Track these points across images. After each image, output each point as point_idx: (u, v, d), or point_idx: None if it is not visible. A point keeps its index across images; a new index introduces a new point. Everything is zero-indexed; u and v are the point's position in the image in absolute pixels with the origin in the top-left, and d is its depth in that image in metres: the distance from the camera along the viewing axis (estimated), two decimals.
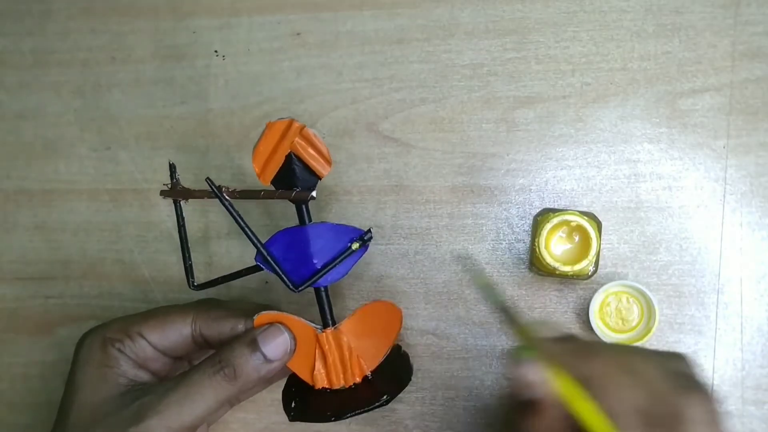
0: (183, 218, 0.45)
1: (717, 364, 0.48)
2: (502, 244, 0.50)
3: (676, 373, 0.32)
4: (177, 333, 0.43)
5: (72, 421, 0.41)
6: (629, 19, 0.49)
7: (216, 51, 0.53)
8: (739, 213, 0.48)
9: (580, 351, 0.31)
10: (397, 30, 0.51)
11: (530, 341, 0.32)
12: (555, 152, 0.49)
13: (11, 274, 0.54)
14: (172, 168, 0.44)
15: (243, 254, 0.52)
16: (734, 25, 0.48)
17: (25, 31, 0.54)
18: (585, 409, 0.29)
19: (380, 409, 0.42)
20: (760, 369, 0.47)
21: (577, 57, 0.49)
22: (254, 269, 0.44)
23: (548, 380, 0.30)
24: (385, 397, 0.42)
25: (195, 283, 0.45)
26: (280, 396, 0.49)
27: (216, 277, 0.45)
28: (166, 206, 0.53)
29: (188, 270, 0.45)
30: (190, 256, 0.45)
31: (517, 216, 0.50)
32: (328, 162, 0.43)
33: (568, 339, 0.33)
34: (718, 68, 0.48)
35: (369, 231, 0.43)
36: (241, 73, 0.52)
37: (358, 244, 0.43)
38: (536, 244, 0.44)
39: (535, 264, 0.47)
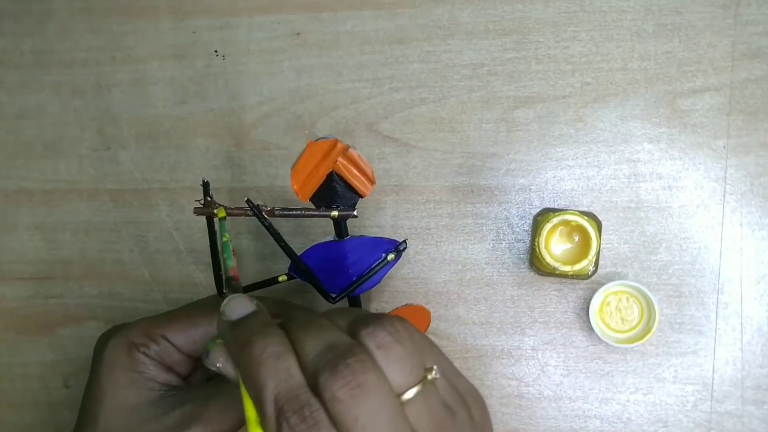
0: (215, 233, 0.44)
1: (717, 364, 0.48)
2: (502, 244, 0.50)
3: (330, 346, 0.31)
4: (203, 335, 0.42)
5: (103, 426, 0.40)
6: (629, 19, 0.49)
7: (216, 51, 0.53)
8: (739, 213, 0.48)
9: (241, 336, 0.32)
10: (397, 30, 0.51)
11: (219, 327, 0.34)
12: (555, 152, 0.49)
13: (11, 274, 0.54)
14: (206, 186, 0.42)
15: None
16: (734, 25, 0.48)
17: (25, 31, 0.54)
18: (245, 397, 0.31)
19: None
20: (760, 369, 0.47)
21: (577, 57, 0.49)
22: (277, 279, 0.44)
23: (230, 367, 0.32)
24: None
25: (225, 292, 0.44)
26: None
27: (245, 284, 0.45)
28: (166, 206, 0.53)
29: (218, 281, 0.44)
30: (220, 267, 0.44)
31: (517, 216, 0.50)
32: (372, 182, 0.42)
33: (250, 317, 0.33)
34: (718, 68, 0.48)
35: (404, 242, 0.43)
36: (241, 73, 0.52)
37: (393, 255, 0.43)
38: (536, 244, 0.44)
39: (535, 263, 0.47)
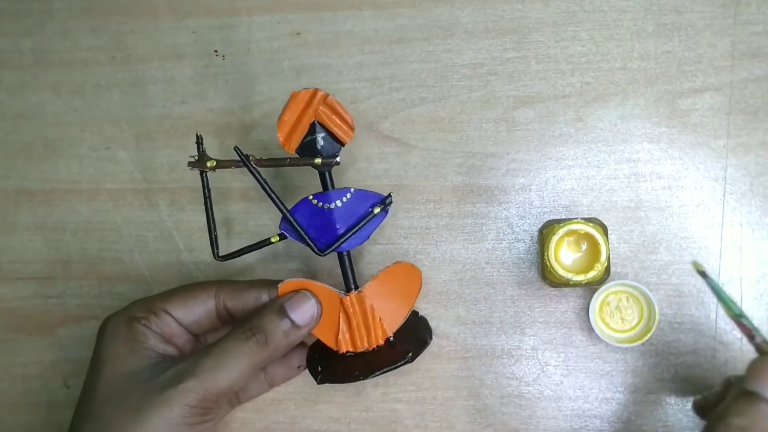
0: (209, 189, 0.45)
1: (717, 363, 0.48)
2: (502, 243, 0.50)
3: None
4: (201, 307, 0.44)
5: (101, 391, 0.41)
6: (629, 19, 0.49)
7: (216, 51, 0.53)
8: (738, 212, 0.48)
9: None
10: (397, 30, 0.51)
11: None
12: (555, 152, 0.49)
13: (11, 274, 0.54)
14: (199, 139, 0.44)
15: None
16: (734, 25, 0.48)
17: (25, 31, 0.54)
18: None
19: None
20: None
21: (577, 56, 0.49)
22: (269, 240, 0.45)
23: None
24: (410, 354, 0.44)
25: (219, 254, 0.45)
26: (279, 396, 0.50)
27: (239, 248, 0.46)
28: (166, 206, 0.53)
29: (213, 240, 0.45)
30: (215, 227, 0.45)
31: (517, 216, 0.50)
32: (352, 129, 0.44)
33: None
34: (718, 68, 0.48)
35: (389, 195, 0.44)
36: (241, 73, 0.52)
37: (379, 209, 0.44)
38: (546, 258, 0.44)
39: (547, 277, 0.46)
